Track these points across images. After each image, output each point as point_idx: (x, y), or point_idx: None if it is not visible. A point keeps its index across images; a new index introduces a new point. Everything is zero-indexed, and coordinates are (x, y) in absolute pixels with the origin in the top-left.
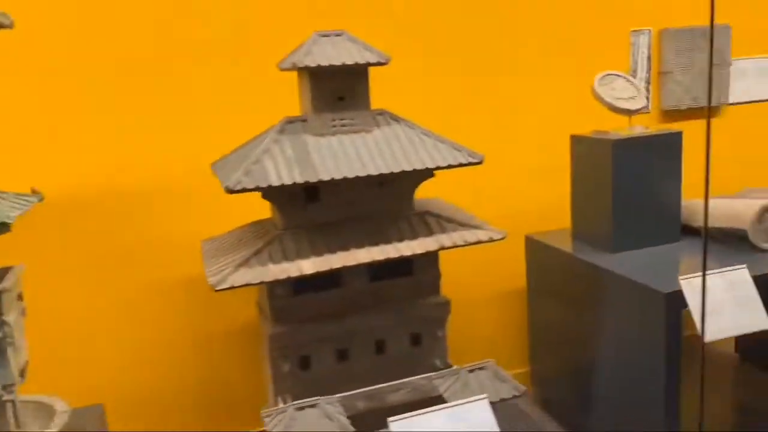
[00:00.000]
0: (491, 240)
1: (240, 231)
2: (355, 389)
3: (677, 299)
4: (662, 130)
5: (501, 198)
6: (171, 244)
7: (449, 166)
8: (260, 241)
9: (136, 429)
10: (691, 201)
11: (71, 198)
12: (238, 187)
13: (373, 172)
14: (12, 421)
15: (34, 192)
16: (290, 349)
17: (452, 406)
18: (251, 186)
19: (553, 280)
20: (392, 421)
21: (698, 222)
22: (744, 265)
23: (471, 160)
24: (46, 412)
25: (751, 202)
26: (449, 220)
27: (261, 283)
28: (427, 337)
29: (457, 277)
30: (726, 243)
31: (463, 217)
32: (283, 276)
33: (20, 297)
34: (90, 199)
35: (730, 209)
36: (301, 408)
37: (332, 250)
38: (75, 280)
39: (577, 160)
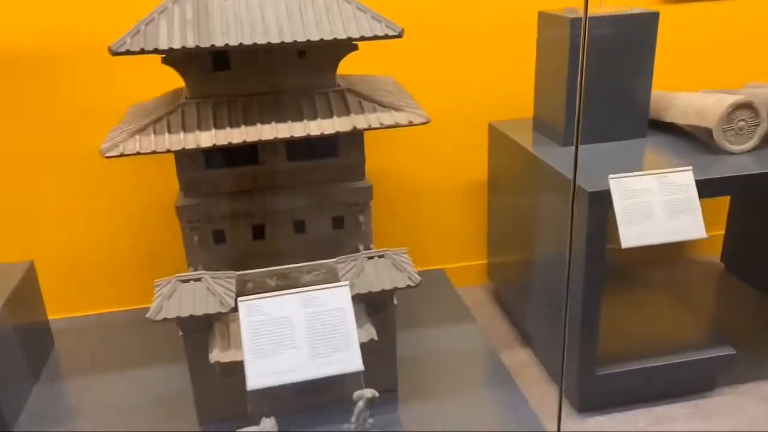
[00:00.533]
0: (411, 124)
1: (161, 98)
2: (271, 267)
3: (603, 199)
4: (637, 9)
5: (474, 83)
6: (108, 109)
7: (362, 38)
8: (164, 109)
9: (67, 287)
10: (662, 93)
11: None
12: (122, 49)
13: (275, 39)
14: None
15: None
16: (201, 222)
17: (311, 290)
18: (136, 48)
19: (509, 172)
20: (242, 301)
21: (669, 117)
22: (689, 168)
23: (388, 32)
24: None
25: (722, 98)
26: (371, 100)
27: (153, 152)
28: (350, 221)
29: (421, 166)
30: (694, 141)
31: (393, 98)
32: (176, 147)
33: None
34: (22, 60)
35: (701, 105)
36: (186, 281)
37: (236, 124)
38: (7, 142)
39: (541, 39)
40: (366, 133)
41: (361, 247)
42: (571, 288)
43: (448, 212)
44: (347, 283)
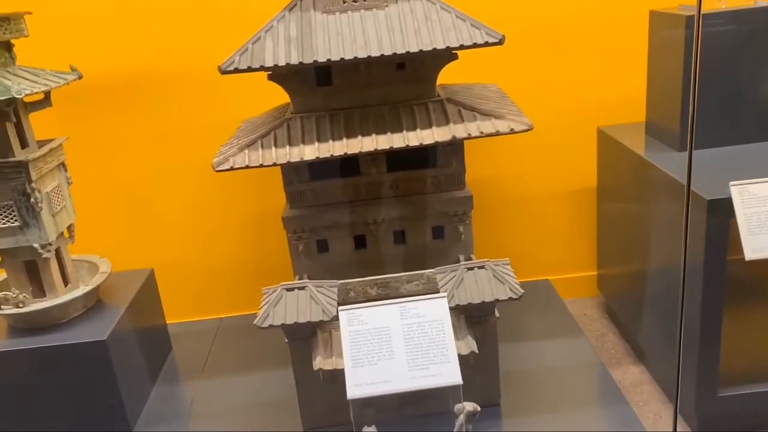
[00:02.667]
0: (512, 131)
1: (269, 113)
2: (373, 276)
3: (724, 208)
4: (761, 2)
5: (581, 86)
6: (222, 124)
7: (461, 47)
8: (271, 124)
9: (182, 293)
10: None
11: (119, 77)
12: (231, 68)
13: (375, 53)
14: (56, 275)
15: (72, 69)
16: (305, 232)
17: (409, 301)
18: (243, 66)
19: (619, 178)
20: (342, 310)
21: None
22: None
23: (488, 39)
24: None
25: None
26: (471, 109)
27: (260, 166)
28: (450, 231)
29: (525, 174)
30: None
31: (494, 105)
32: (282, 161)
33: (64, 167)
34: (138, 78)
35: None
36: (291, 289)
37: (338, 137)
38: (126, 155)
39: (654, 40)
40: (467, 141)
41: (461, 257)
42: (690, 301)
43: (555, 221)
44: (445, 294)
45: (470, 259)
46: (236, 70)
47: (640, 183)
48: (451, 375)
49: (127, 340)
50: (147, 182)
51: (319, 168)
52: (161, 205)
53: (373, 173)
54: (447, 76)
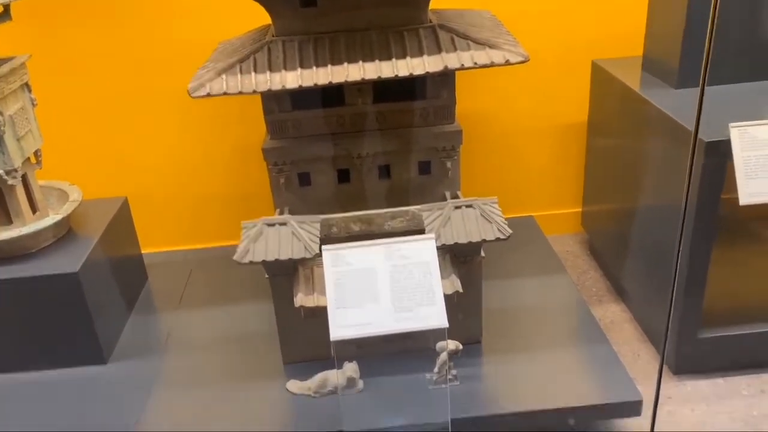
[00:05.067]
0: (507, 63)
1: (248, 35)
2: (356, 212)
3: (722, 150)
4: None
5: (576, 17)
6: (199, 45)
7: None
8: (251, 47)
9: (158, 223)
10: None
11: None
12: None
13: None
14: (23, 203)
15: None
16: (286, 164)
17: (395, 242)
18: None
19: (612, 115)
20: (326, 250)
21: None
22: None
23: None
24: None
25: None
26: (465, 37)
27: (239, 93)
28: (437, 166)
29: (514, 108)
30: None
31: (489, 34)
32: (262, 88)
33: (28, 87)
34: None
35: None
36: (272, 224)
37: (322, 64)
38: (96, 75)
39: None
40: (457, 72)
41: (447, 194)
42: (662, 244)
43: (542, 157)
44: (433, 236)
45: (457, 197)
46: None
47: (632, 119)
48: (437, 318)
49: (99, 272)
50: (118, 105)
51: (301, 97)
52: (134, 129)
53: (359, 104)
54: (439, 0)
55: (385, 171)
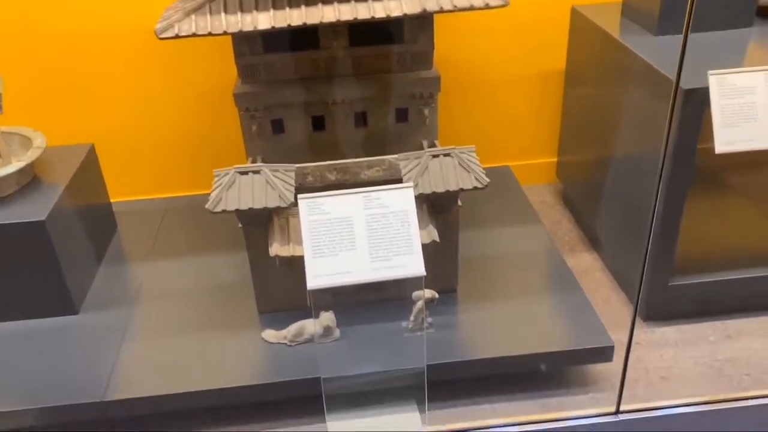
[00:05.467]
0: (487, 6)
1: None
2: (332, 160)
3: (700, 98)
4: None
5: None
6: None
7: None
8: None
9: (128, 170)
10: None
11: None
12: None
13: None
14: None
15: None
16: (258, 111)
17: (373, 191)
18: None
19: (590, 62)
20: (302, 198)
21: None
22: None
23: None
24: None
25: None
26: None
27: (209, 34)
28: (414, 114)
29: (490, 55)
30: None
31: None
32: (233, 29)
33: None
34: None
35: None
36: (245, 173)
37: (295, 4)
38: (56, 11)
39: None
40: (435, 17)
41: (425, 143)
42: (650, 191)
43: (519, 105)
44: (411, 185)
45: (434, 145)
46: None
47: (611, 67)
48: (414, 266)
49: (67, 220)
50: (84, 48)
51: (274, 39)
52: (101, 72)
53: (334, 47)
54: None
55: (362, 118)
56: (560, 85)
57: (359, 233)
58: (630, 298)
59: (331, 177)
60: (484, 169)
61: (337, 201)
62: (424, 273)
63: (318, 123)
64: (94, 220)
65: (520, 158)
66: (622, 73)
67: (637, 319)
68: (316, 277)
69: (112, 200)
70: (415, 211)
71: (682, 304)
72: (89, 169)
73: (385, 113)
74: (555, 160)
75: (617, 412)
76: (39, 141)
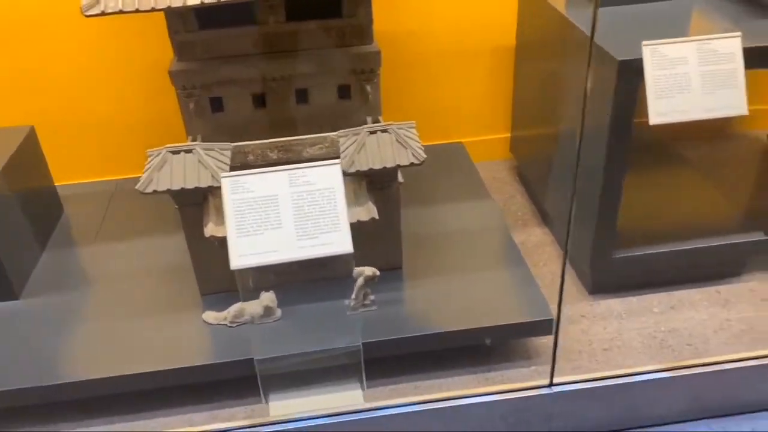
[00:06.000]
0: None
1: None
2: (274, 138)
3: (635, 69)
4: None
5: None
6: None
7: None
8: None
9: (74, 153)
10: None
11: None
12: None
13: None
14: None
15: None
16: (196, 89)
17: (299, 168)
18: None
19: (537, 36)
20: (225, 177)
21: None
22: (737, 34)
23: None
24: None
25: None
26: None
27: (137, 11)
28: (356, 90)
29: (441, 30)
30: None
31: None
32: (162, 5)
33: None
34: None
35: None
36: (177, 152)
37: None
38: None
39: None
40: None
41: (369, 119)
42: (593, 163)
43: (471, 81)
44: (338, 161)
45: (378, 122)
46: None
47: (556, 40)
48: (341, 244)
49: (4, 204)
50: (16, 25)
51: (209, 15)
52: (41, 57)
53: (271, 22)
54: None
55: (303, 95)
56: (512, 59)
57: (285, 211)
58: (578, 273)
59: (274, 156)
60: (436, 145)
61: (262, 179)
62: (351, 250)
63: (258, 101)
64: (36, 204)
65: (476, 134)
66: (565, 47)
67: (583, 292)
68: (241, 257)
69: (58, 183)
70: (343, 188)
71: (627, 276)
72: (29, 151)
73: (327, 90)
74: (509, 135)
75: (551, 384)
76: None
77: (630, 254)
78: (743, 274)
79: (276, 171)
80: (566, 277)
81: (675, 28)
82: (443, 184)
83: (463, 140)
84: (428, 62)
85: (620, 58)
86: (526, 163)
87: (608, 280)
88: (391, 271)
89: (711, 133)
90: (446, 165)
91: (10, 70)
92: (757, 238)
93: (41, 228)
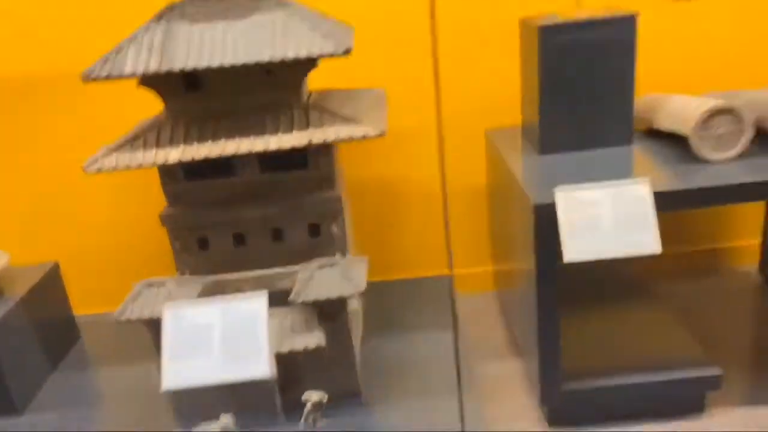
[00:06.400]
0: (365, 137)
1: (154, 117)
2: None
3: (551, 212)
4: (613, 12)
5: (472, 88)
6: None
7: (308, 57)
8: (144, 128)
9: (92, 287)
10: (659, 96)
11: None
12: (92, 76)
13: (228, 61)
14: None
15: None
16: (183, 230)
17: (231, 300)
18: (103, 74)
19: (496, 179)
20: (168, 308)
21: (657, 122)
22: (645, 179)
23: (334, 51)
24: None
25: (702, 103)
26: (333, 114)
27: (127, 167)
28: (325, 229)
29: (431, 172)
30: (686, 148)
31: (360, 111)
32: (147, 163)
33: None
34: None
35: (684, 110)
36: (151, 285)
37: (203, 140)
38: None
39: (522, 47)
40: (369, 142)
41: (338, 255)
42: (529, 302)
43: (460, 216)
44: (264, 292)
45: (344, 257)
46: (97, 78)
47: (504, 186)
48: (261, 369)
49: (19, 329)
50: (52, 180)
51: (194, 169)
52: (69, 202)
53: (247, 174)
54: (364, 77)
55: (279, 234)
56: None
57: (215, 338)
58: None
59: (248, 288)
60: (423, 278)
61: (200, 309)
62: (270, 374)
63: (239, 239)
64: (51, 330)
65: (466, 267)
66: (510, 190)
67: (543, 422)
68: (171, 380)
69: (80, 312)
70: (266, 316)
71: (583, 409)
72: (50, 284)
73: (299, 229)
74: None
75: None
76: (2, 260)
77: (578, 387)
78: (707, 409)
79: (211, 302)
80: (529, 408)
81: (606, 171)
82: (420, 316)
83: (457, 272)
84: (417, 200)
85: (535, 202)
86: (503, 295)
87: (563, 412)
88: (350, 397)
89: (707, 269)
90: (426, 297)
91: (43, 206)
92: (710, 374)
93: (54, 351)
